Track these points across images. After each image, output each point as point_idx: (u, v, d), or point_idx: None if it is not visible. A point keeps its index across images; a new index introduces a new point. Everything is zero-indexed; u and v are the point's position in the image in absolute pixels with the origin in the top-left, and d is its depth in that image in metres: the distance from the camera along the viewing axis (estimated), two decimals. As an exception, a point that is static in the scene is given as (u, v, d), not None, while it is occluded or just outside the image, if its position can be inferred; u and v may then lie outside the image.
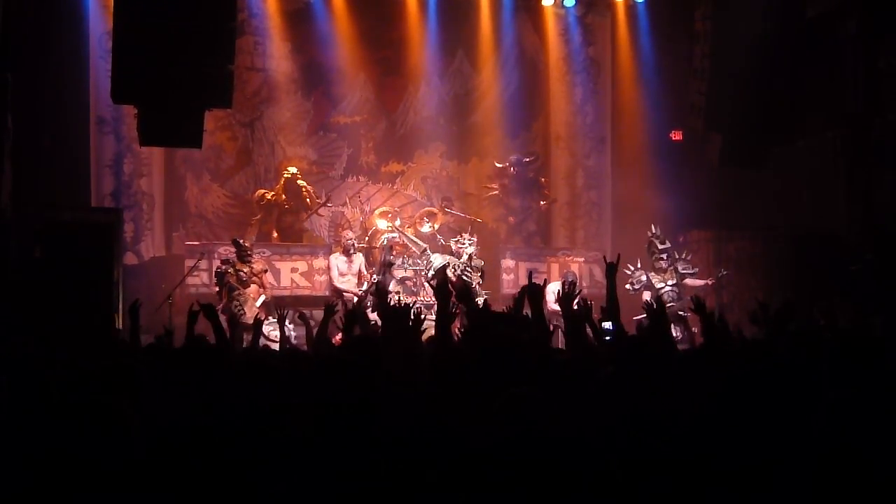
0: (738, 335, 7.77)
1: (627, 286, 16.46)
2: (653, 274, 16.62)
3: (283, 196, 19.65)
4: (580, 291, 7.43)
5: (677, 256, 17.02)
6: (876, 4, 15.90)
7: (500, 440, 3.43)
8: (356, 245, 18.18)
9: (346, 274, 17.77)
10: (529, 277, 7.98)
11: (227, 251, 17.82)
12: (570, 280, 17.44)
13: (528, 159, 21.32)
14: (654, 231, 16.95)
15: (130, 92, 12.25)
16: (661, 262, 16.73)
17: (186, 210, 20.10)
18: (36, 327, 11.94)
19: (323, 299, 16.85)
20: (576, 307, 7.15)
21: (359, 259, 18.08)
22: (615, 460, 3.66)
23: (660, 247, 16.85)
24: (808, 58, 15.71)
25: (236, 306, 15.99)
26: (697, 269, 17.07)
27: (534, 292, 7.09)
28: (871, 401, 3.79)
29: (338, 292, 17.46)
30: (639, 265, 16.73)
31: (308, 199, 19.86)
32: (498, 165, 21.32)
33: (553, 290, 17.13)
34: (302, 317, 10.16)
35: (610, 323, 7.52)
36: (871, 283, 15.02)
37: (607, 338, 7.47)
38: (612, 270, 7.74)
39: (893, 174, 15.91)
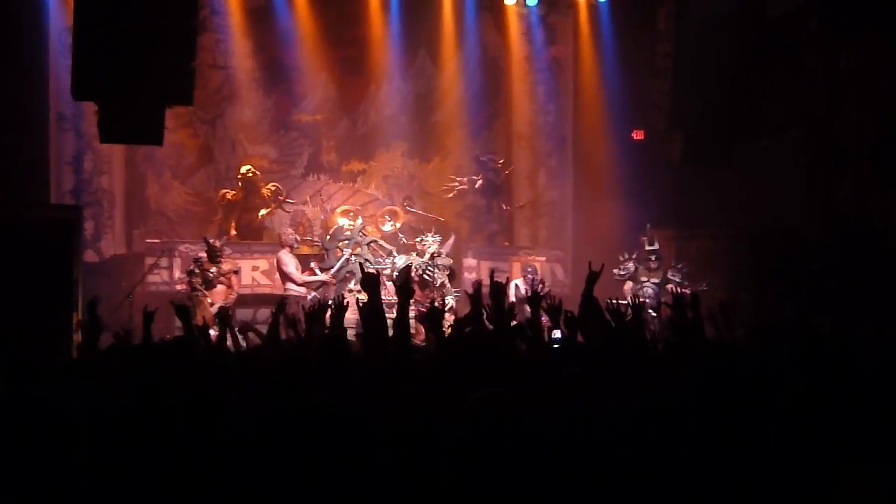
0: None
1: (614, 271, 16.70)
2: (642, 269, 16.90)
3: (242, 195, 19.58)
4: (547, 290, 7.41)
5: (673, 263, 17.31)
6: (837, 4, 15.97)
7: (471, 437, 3.42)
8: (298, 241, 17.97)
9: (297, 268, 17.53)
10: (491, 276, 7.97)
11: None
12: (531, 275, 17.54)
13: (500, 162, 21.24)
14: (647, 229, 17.22)
15: (91, 88, 12.14)
16: (650, 262, 17.00)
17: (147, 208, 20.03)
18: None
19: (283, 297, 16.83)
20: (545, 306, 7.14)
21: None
22: (582, 455, 3.66)
23: (647, 248, 17.08)
24: (770, 57, 15.77)
25: (189, 307, 15.86)
26: (686, 283, 17.16)
27: (496, 291, 7.06)
28: (825, 399, 3.80)
29: (302, 284, 17.27)
30: (634, 255, 16.97)
31: (270, 196, 19.82)
32: (481, 158, 21.15)
33: (512, 288, 17.26)
34: (243, 329, 10.03)
35: (558, 331, 7.50)
36: (832, 281, 15.10)
37: (555, 346, 7.42)
38: (593, 278, 7.69)
39: (854, 173, 15.99)
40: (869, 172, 15.72)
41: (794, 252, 16.29)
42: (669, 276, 16.99)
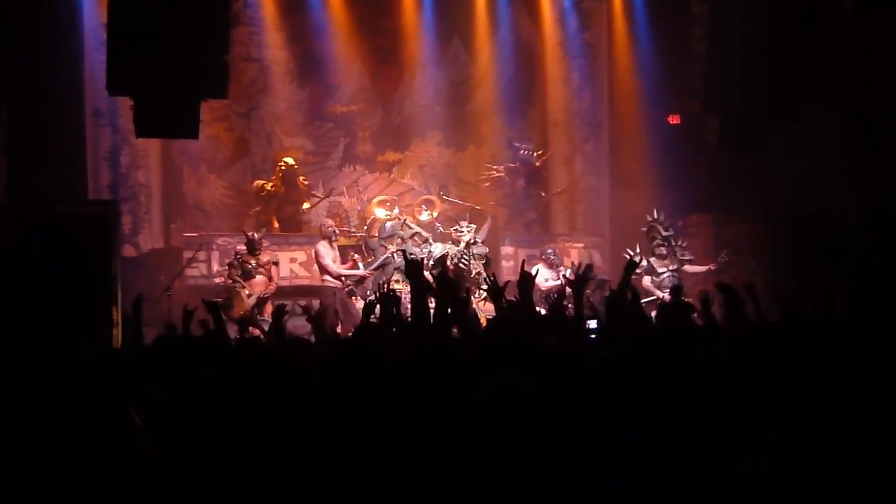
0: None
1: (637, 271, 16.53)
2: (654, 259, 16.62)
3: (282, 187, 19.61)
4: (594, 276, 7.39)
5: (674, 243, 16.99)
6: (872, -16, 15.85)
7: (485, 426, 3.42)
8: (337, 233, 17.78)
9: (336, 260, 17.43)
10: (522, 265, 7.96)
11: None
12: (552, 258, 17.40)
13: (538, 151, 21.24)
14: (656, 216, 16.94)
15: (126, 83, 12.18)
16: (662, 248, 16.74)
17: (184, 201, 20.12)
18: (34, 322, 11.92)
19: (321, 289, 16.87)
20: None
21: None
22: (607, 444, 3.64)
23: (663, 233, 16.85)
24: (805, 39, 15.66)
25: (226, 299, 15.90)
26: (693, 257, 17.04)
27: (524, 280, 7.05)
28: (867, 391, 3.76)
29: (338, 276, 17.23)
30: (637, 250, 16.71)
31: (304, 190, 19.85)
32: (516, 144, 21.14)
33: (543, 276, 17.17)
34: (307, 310, 10.06)
35: (595, 321, 7.49)
36: (870, 264, 14.99)
37: (592, 336, 7.40)
38: (632, 267, 7.67)
39: (891, 154, 15.87)
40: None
41: (832, 234, 16.18)
42: (680, 256, 16.76)
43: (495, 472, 3.51)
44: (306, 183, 20.04)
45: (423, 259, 17.21)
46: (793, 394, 4.09)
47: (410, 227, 18.13)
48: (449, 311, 6.71)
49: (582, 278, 7.32)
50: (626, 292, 7.27)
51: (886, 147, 15.95)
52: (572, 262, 18.02)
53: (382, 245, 17.65)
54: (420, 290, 6.90)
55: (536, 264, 17.30)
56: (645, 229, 17.06)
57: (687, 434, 3.96)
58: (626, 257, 16.15)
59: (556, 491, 3.53)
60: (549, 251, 18.05)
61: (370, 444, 4.23)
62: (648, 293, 16.14)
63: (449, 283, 7.06)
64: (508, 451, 3.49)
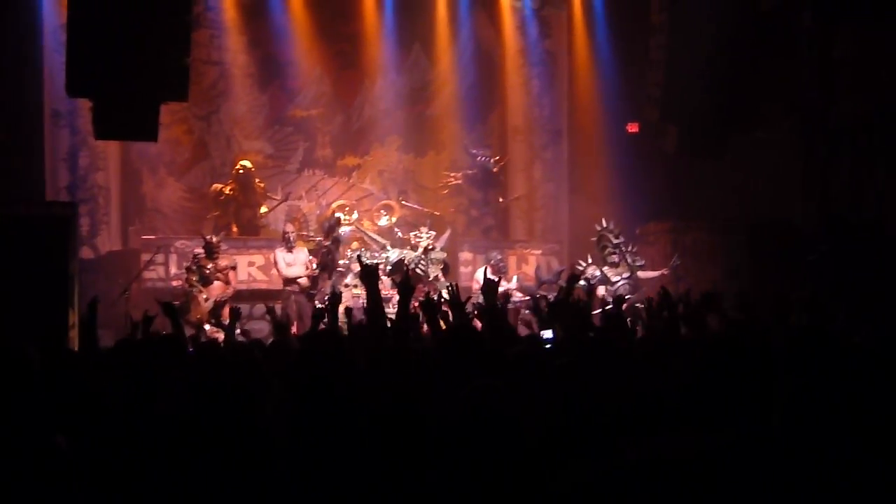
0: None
1: (581, 282, 16.49)
2: (606, 268, 16.60)
3: (239, 190, 19.58)
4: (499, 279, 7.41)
5: (625, 249, 16.99)
6: (830, -6, 16.00)
7: (468, 428, 3.45)
8: (292, 239, 17.60)
9: (292, 265, 17.35)
10: (485, 272, 8.01)
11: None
12: (496, 263, 17.45)
13: (495, 158, 21.33)
14: (605, 225, 16.92)
15: (85, 85, 12.14)
16: (614, 256, 16.72)
17: (143, 204, 20.07)
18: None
19: (279, 293, 16.85)
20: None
21: (302, 252, 17.66)
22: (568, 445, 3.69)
23: (613, 241, 16.84)
24: (764, 48, 15.78)
25: (183, 302, 15.83)
26: (645, 262, 17.07)
27: (489, 287, 7.10)
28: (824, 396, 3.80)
29: (289, 282, 17.21)
30: (589, 260, 16.71)
31: (260, 193, 19.83)
32: (472, 151, 21.22)
33: (480, 276, 17.23)
34: (270, 312, 10.08)
35: (550, 331, 7.54)
36: (828, 272, 15.12)
37: (547, 346, 7.45)
38: (573, 280, 7.75)
39: (849, 164, 16.02)
40: (863, 163, 15.76)
41: (790, 243, 16.30)
42: (631, 262, 16.74)
43: (476, 473, 3.55)
44: (262, 186, 19.99)
45: (378, 264, 17.23)
46: (735, 400, 4.15)
47: (368, 234, 18.22)
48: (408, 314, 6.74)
49: (570, 284, 7.38)
50: (567, 303, 7.34)
51: (844, 156, 16.10)
52: (531, 270, 18.11)
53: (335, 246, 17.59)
54: (375, 295, 6.93)
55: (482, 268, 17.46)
56: (595, 239, 17.05)
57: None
58: (577, 268, 16.29)
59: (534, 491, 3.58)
60: (497, 256, 18.11)
61: (331, 448, 4.26)
62: (605, 303, 16.13)
63: (411, 288, 7.10)
64: (488, 453, 3.53)
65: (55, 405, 4.44)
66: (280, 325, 8.70)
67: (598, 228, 16.93)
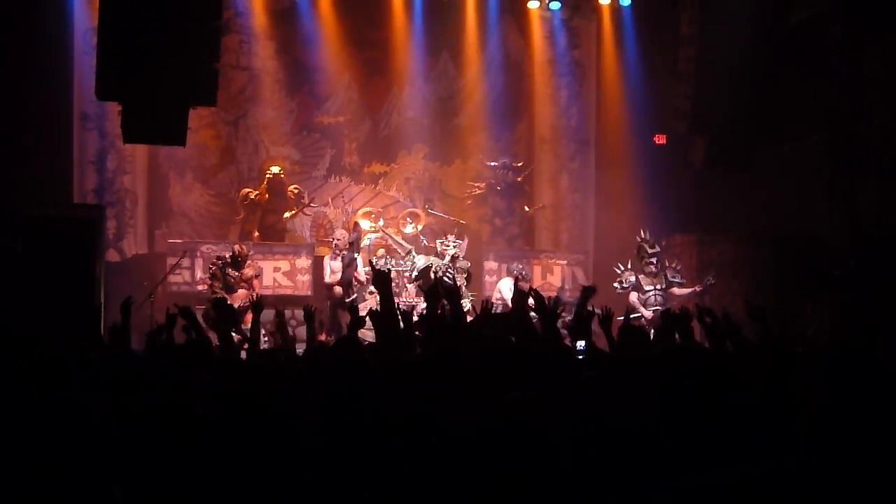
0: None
1: (615, 284, 16.71)
2: (642, 276, 16.73)
3: (267, 195, 19.64)
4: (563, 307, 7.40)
5: (667, 264, 17.16)
6: (860, 9, 15.92)
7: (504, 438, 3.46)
8: (340, 247, 17.70)
9: (336, 272, 17.47)
10: (515, 282, 8.03)
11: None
12: (519, 271, 17.52)
13: (518, 164, 21.35)
14: (643, 236, 17.04)
15: (115, 89, 12.20)
16: (651, 266, 16.84)
17: (169, 208, 20.08)
18: (17, 323, 11.89)
19: (304, 299, 16.88)
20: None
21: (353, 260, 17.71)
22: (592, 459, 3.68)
23: (649, 251, 16.92)
24: (793, 62, 15.76)
25: (207, 309, 15.86)
26: (685, 280, 17.13)
27: (519, 298, 7.11)
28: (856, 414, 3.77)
29: (327, 288, 17.34)
30: (629, 266, 16.87)
31: (292, 199, 19.88)
32: (489, 164, 21.29)
33: (505, 286, 17.33)
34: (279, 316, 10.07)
35: (583, 342, 7.53)
36: (853, 287, 15.06)
37: (580, 357, 7.45)
38: (588, 293, 7.74)
39: (876, 179, 15.95)
40: (891, 178, 15.68)
41: (815, 258, 16.24)
42: (671, 278, 16.88)
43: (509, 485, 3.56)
44: (296, 191, 20.03)
45: (400, 272, 17.31)
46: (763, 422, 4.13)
47: (393, 237, 18.31)
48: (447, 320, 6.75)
49: (552, 314, 7.35)
50: (581, 317, 7.33)
51: (871, 171, 16.03)
52: (557, 281, 18.11)
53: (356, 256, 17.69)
54: (388, 301, 6.93)
55: (505, 279, 17.49)
56: (636, 249, 17.14)
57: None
58: (615, 270, 16.48)
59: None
60: (518, 266, 18.08)
61: (356, 452, 4.27)
62: (633, 310, 16.28)
63: (438, 296, 7.10)
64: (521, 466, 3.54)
65: (88, 405, 4.44)
66: (282, 325, 8.71)
67: (639, 239, 17.04)
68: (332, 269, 17.42)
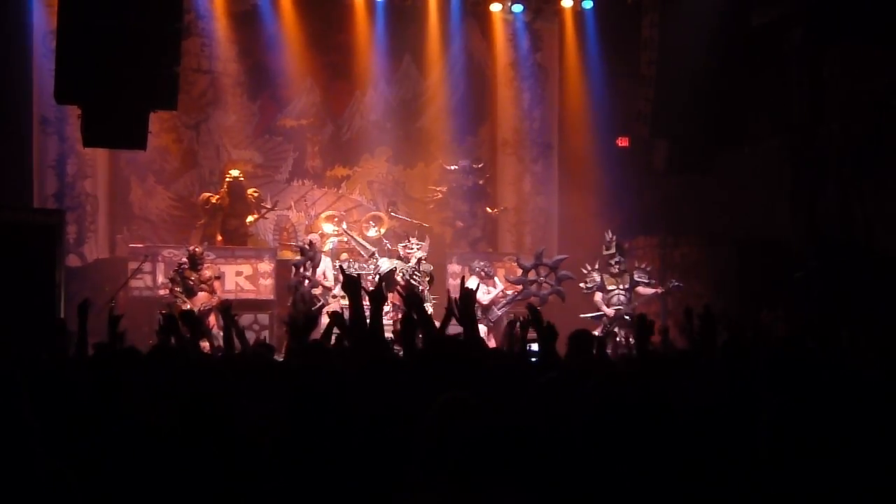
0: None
1: (581, 285, 16.77)
2: (607, 277, 16.79)
3: (227, 199, 19.54)
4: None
5: (636, 265, 17.28)
6: (820, 14, 16.02)
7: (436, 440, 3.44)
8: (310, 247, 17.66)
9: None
10: (462, 281, 8.02)
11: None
12: (482, 268, 17.59)
13: (478, 166, 21.31)
14: (609, 236, 17.09)
15: (74, 92, 12.15)
16: (612, 267, 16.90)
17: (130, 212, 19.99)
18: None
19: (267, 303, 16.84)
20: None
21: (325, 262, 17.66)
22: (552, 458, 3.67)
23: (604, 252, 17.05)
24: (754, 66, 15.83)
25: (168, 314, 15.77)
26: (654, 281, 17.18)
27: (466, 298, 7.07)
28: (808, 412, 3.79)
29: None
30: (596, 266, 16.94)
31: (252, 203, 19.79)
32: (449, 168, 21.26)
33: (471, 285, 17.27)
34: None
35: (535, 344, 7.54)
36: (815, 289, 15.15)
37: (533, 359, 7.47)
38: (535, 312, 7.68)
39: (836, 182, 16.05)
40: (851, 181, 15.79)
41: (777, 260, 16.33)
42: (636, 277, 16.94)
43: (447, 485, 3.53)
44: (256, 195, 19.95)
45: (363, 276, 17.23)
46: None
47: (356, 239, 18.29)
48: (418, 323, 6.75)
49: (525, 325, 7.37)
50: (540, 329, 7.33)
51: (832, 174, 16.13)
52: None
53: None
54: (358, 306, 6.94)
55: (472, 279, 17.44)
56: (604, 248, 17.22)
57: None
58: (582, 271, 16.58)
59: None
60: (481, 264, 18.07)
61: (320, 456, 4.27)
62: (597, 308, 16.43)
63: (383, 298, 7.11)
64: (459, 466, 3.51)
65: (44, 411, 4.39)
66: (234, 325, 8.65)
67: (606, 238, 17.11)
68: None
